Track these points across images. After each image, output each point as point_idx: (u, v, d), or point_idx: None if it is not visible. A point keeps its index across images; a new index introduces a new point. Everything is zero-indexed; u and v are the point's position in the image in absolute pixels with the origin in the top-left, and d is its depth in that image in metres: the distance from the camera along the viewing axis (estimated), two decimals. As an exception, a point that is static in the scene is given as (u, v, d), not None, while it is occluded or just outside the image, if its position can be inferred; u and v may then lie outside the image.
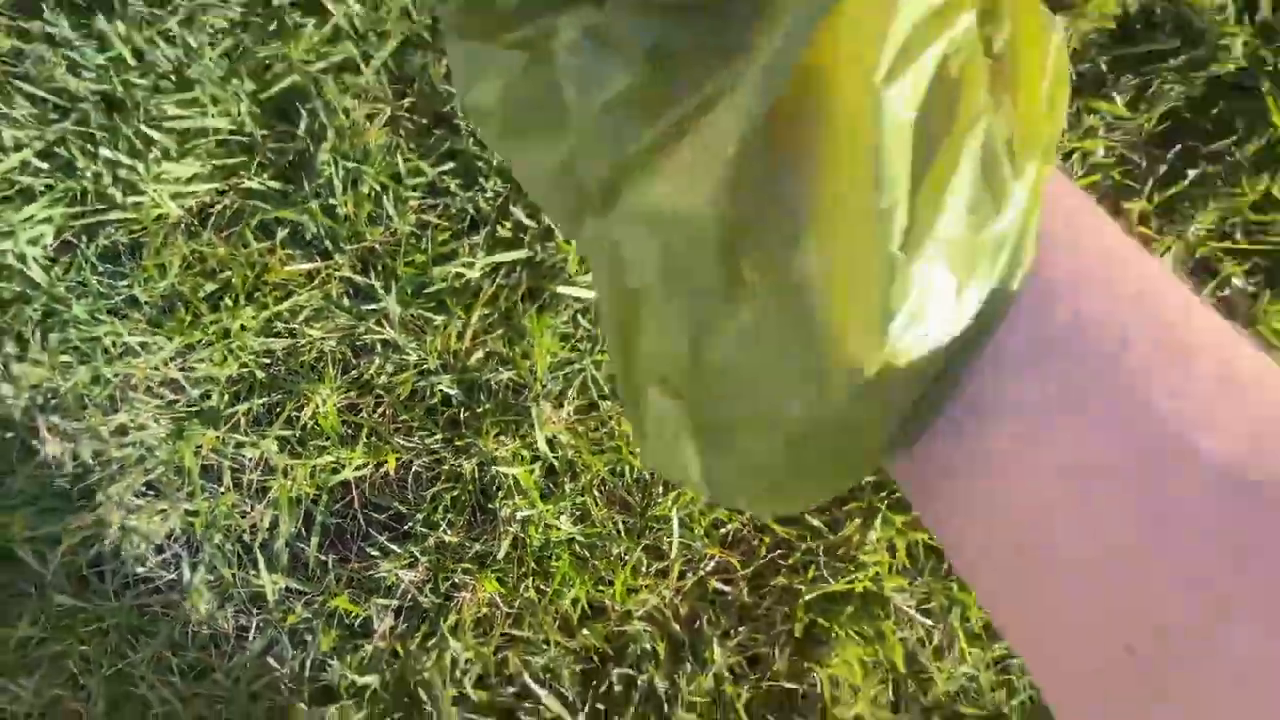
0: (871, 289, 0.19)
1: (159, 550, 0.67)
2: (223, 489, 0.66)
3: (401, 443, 0.66)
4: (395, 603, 0.66)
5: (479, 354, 0.64)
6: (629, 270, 0.21)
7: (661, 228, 0.20)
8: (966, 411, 0.20)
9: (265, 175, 0.64)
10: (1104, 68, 0.65)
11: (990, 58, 0.19)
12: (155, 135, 0.62)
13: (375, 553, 0.67)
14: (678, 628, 0.65)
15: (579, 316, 0.62)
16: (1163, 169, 0.66)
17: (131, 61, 0.62)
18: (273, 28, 0.62)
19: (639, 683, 0.64)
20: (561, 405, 0.64)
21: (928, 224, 0.19)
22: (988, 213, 0.19)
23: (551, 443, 0.64)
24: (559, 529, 0.64)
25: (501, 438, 0.65)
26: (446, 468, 0.66)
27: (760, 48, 0.19)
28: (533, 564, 0.65)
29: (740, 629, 0.66)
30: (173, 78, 0.62)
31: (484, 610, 0.66)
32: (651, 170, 0.20)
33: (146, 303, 0.64)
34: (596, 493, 0.65)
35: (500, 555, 0.65)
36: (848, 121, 0.19)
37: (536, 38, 0.21)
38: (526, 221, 0.64)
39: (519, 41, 0.22)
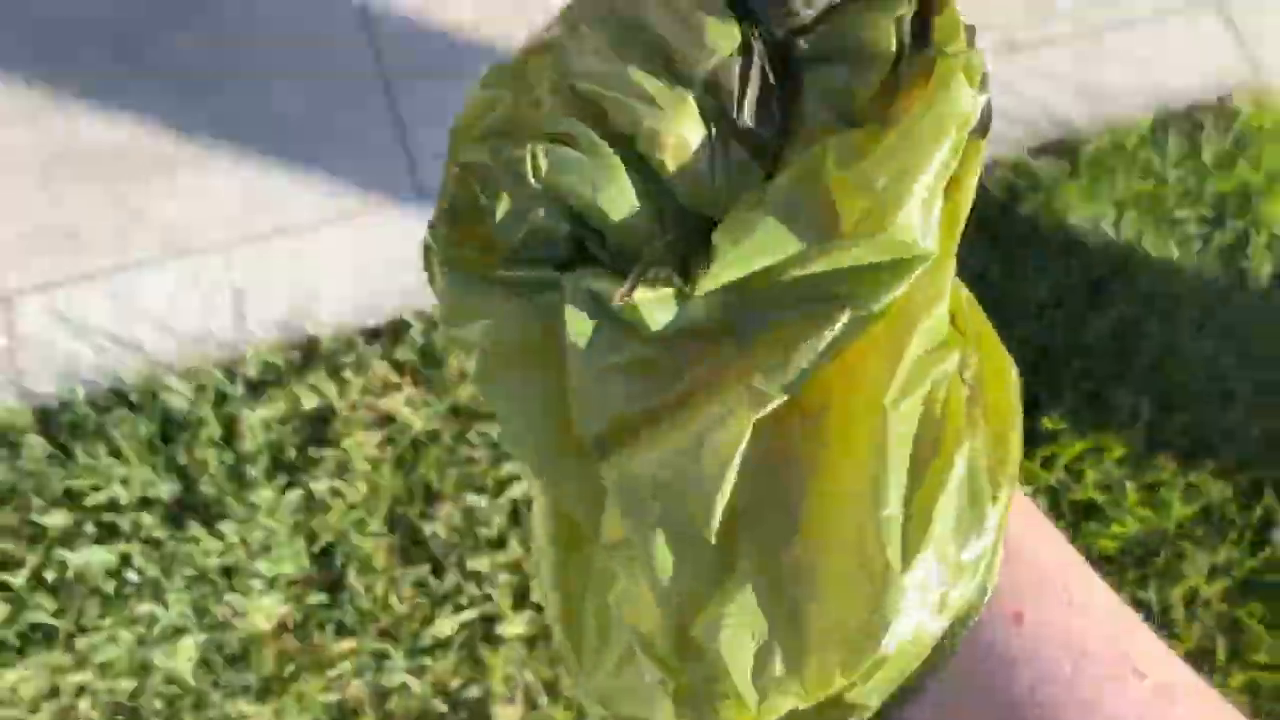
0: (865, 595, 0.20)
1: None
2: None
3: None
4: None
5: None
6: (618, 520, 0.21)
7: (661, 492, 0.20)
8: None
9: (315, 588, 1.04)
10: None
11: (966, 389, 0.21)
12: (254, 584, 1.02)
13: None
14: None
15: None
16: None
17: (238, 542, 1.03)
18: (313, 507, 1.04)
19: None
20: None
21: (919, 539, 0.20)
22: (970, 532, 0.21)
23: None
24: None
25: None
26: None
27: (765, 358, 0.20)
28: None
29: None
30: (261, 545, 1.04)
31: None
32: (653, 436, 0.20)
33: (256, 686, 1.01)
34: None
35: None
36: (855, 434, 0.20)
37: (533, 281, 0.22)
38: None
39: (514, 281, 0.22)
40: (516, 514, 1.09)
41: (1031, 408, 1.16)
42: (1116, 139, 1.29)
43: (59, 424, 1.10)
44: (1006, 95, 1.31)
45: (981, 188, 1.21)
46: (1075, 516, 1.14)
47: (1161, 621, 1.12)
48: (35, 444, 1.07)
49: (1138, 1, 1.38)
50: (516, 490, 1.10)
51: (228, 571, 1.05)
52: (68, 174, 1.19)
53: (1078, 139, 1.29)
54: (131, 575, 1.05)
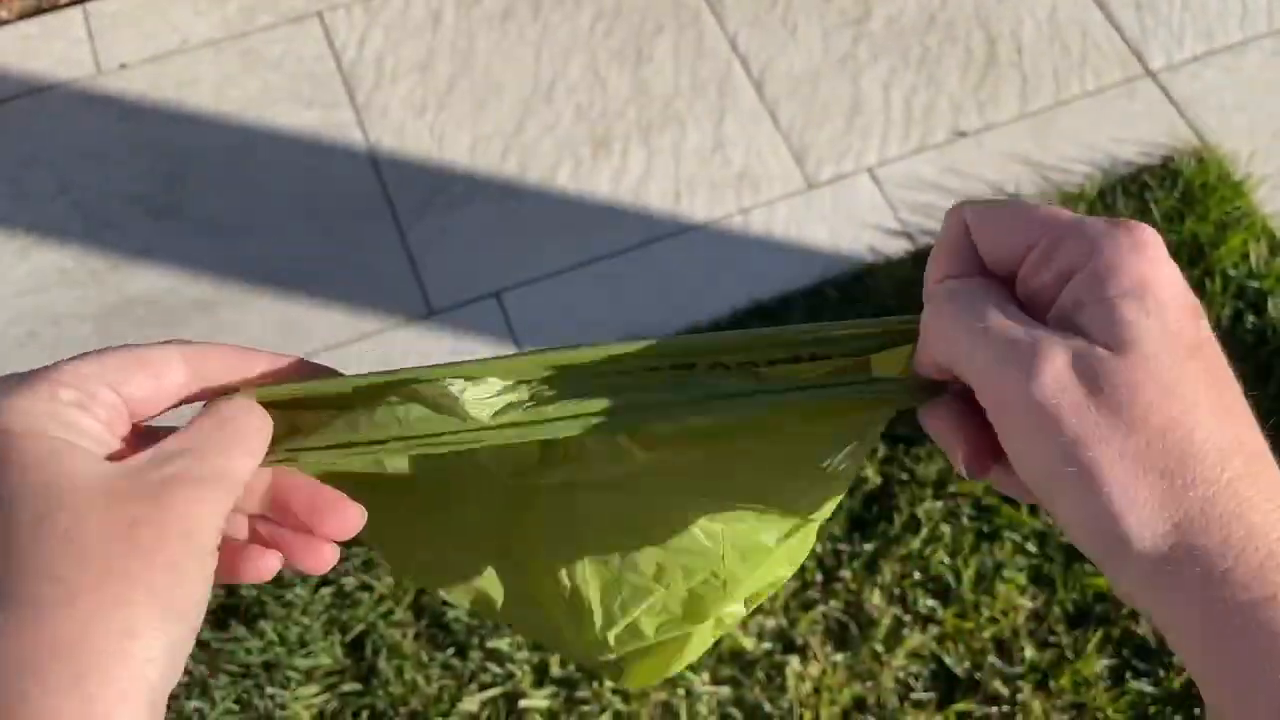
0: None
1: None
2: None
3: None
4: None
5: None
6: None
7: None
8: None
9: (349, 678, 1.12)
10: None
11: None
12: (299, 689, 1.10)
13: None
14: None
15: None
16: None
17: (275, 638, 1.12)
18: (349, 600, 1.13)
19: None
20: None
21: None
22: None
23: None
24: None
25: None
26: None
27: None
28: None
29: None
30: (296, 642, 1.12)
31: None
32: None
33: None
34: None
35: None
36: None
37: None
38: None
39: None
40: (533, 595, 1.17)
41: (1011, 458, 1.22)
42: (1068, 207, 1.38)
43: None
44: (958, 178, 1.42)
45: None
46: (1067, 558, 1.19)
47: (1159, 653, 1.15)
48: (94, 563, 1.18)
49: (1075, 83, 1.50)
50: (531, 573, 1.18)
51: (268, 666, 1.14)
52: (122, 323, 1.33)
53: (1032, 209, 1.39)
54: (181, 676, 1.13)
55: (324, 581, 1.17)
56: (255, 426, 0.32)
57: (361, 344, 1.31)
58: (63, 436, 0.30)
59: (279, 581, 1.17)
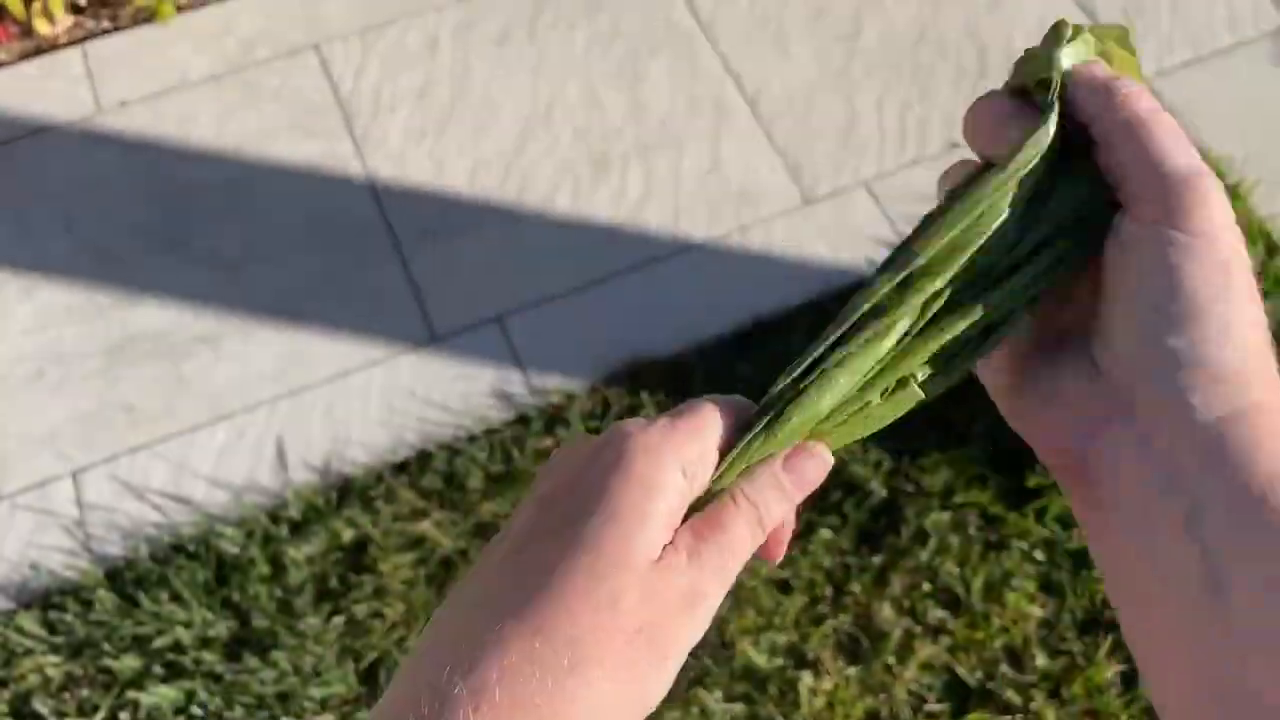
0: None
1: None
2: None
3: None
4: None
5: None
6: None
7: None
8: None
9: (363, 706, 1.12)
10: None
11: None
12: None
13: None
14: None
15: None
16: None
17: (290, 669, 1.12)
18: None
19: None
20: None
21: None
22: None
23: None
24: None
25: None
26: None
27: None
28: None
29: None
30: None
31: None
32: None
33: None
34: None
35: None
36: None
37: None
38: None
39: None
40: (544, 618, 1.17)
41: (1016, 467, 1.23)
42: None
43: (126, 578, 1.21)
44: (957, 188, 1.43)
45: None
46: (1074, 564, 1.19)
47: (1171, 656, 1.15)
48: (105, 598, 1.19)
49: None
50: (542, 595, 1.18)
51: (283, 697, 1.14)
52: (125, 358, 1.34)
53: (1028, 218, 1.39)
54: (196, 710, 1.14)
55: (335, 610, 1.18)
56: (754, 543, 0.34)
57: (366, 372, 1.32)
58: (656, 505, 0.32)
59: (290, 612, 1.18)
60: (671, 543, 0.31)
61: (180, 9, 1.58)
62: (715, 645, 1.16)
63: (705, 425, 0.33)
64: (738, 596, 1.18)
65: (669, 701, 1.12)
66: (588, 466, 0.32)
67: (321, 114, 1.50)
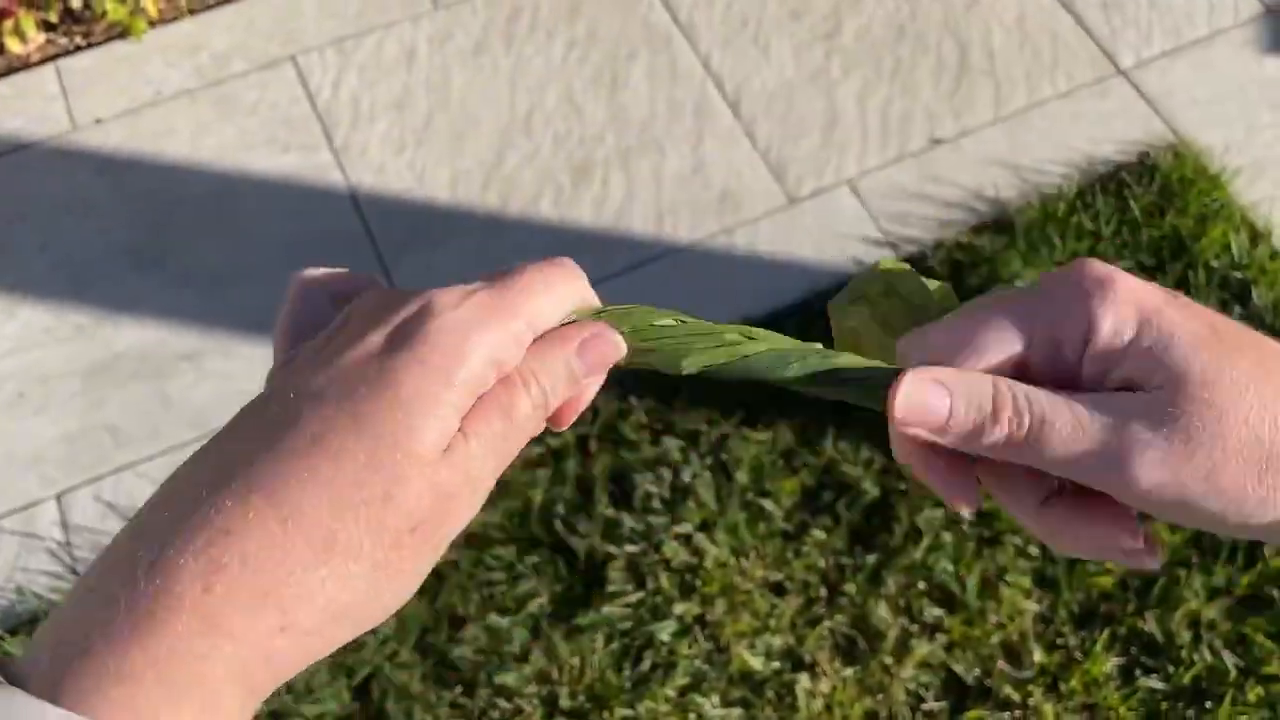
0: None
1: None
2: None
3: None
4: None
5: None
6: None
7: None
8: None
9: (361, 725, 1.11)
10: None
11: None
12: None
13: None
14: None
15: None
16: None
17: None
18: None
19: None
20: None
21: None
22: None
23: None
24: None
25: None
26: None
27: None
28: None
29: None
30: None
31: None
32: None
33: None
34: None
35: None
36: None
37: None
38: None
39: None
40: (537, 628, 1.16)
41: (1008, 461, 1.23)
42: (1049, 208, 1.39)
43: (113, 601, 1.19)
44: (938, 185, 1.43)
45: (928, 268, 1.31)
46: (1070, 562, 1.19)
47: (1167, 649, 1.15)
48: (93, 622, 1.17)
49: (1047, 85, 1.51)
50: (534, 605, 1.17)
51: (275, 715, 1.13)
52: (107, 379, 1.33)
53: (1012, 214, 1.39)
54: (188, 732, 1.12)
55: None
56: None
57: (352, 385, 1.31)
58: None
59: (281, 629, 1.17)
60: (460, 430, 0.29)
61: (153, 24, 1.57)
62: (711, 650, 1.15)
63: (526, 304, 0.30)
64: (732, 600, 1.17)
65: (667, 706, 1.12)
66: (386, 341, 0.29)
67: (300, 126, 1.49)
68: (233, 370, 1.32)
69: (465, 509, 0.29)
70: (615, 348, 0.32)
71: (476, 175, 1.45)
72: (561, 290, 0.32)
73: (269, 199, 1.44)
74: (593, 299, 0.33)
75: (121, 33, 1.56)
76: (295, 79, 1.53)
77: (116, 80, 1.53)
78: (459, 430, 0.29)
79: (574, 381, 0.31)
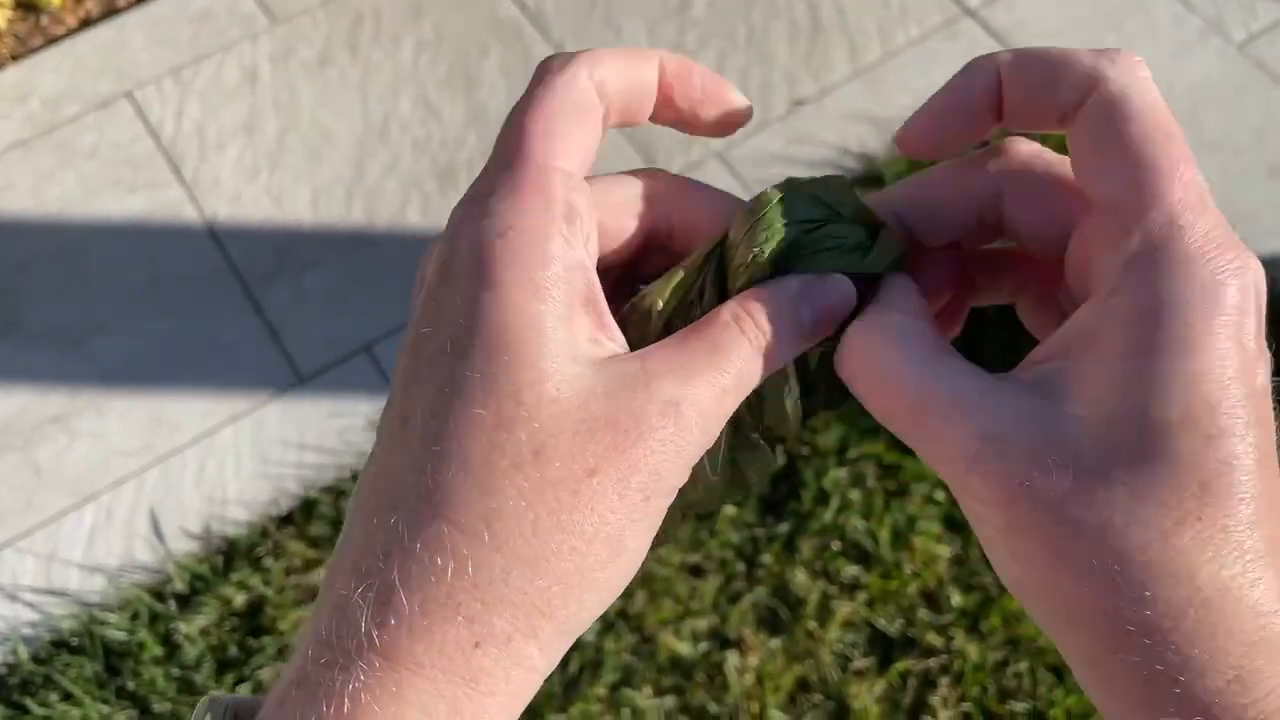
0: None
1: None
2: None
3: None
4: None
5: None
6: None
7: None
8: None
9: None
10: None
11: None
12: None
13: None
14: None
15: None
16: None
17: None
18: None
19: None
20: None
21: None
22: None
23: None
24: None
25: None
26: None
27: None
28: None
29: None
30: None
31: None
32: None
33: None
34: None
35: None
36: None
37: None
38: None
39: None
40: (458, 647, 1.14)
41: (904, 412, 1.24)
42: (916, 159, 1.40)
43: (9, 686, 1.13)
44: (806, 146, 1.43)
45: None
46: (975, 499, 1.20)
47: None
48: (-12, 712, 1.11)
49: (899, 33, 1.52)
50: (453, 624, 1.15)
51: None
52: (-28, 453, 1.26)
53: (880, 166, 1.40)
54: (105, 811, 1.07)
55: (240, 679, 1.12)
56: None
57: (233, 426, 1.26)
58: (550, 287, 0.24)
59: (192, 690, 1.12)
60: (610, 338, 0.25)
61: (-25, 75, 1.48)
62: (636, 642, 1.14)
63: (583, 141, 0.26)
64: (652, 590, 1.16)
65: (598, 704, 1.10)
66: (443, 279, 0.25)
67: (145, 164, 1.42)
68: (107, 428, 1.26)
69: (662, 431, 0.23)
70: (848, 293, 0.27)
71: (338, 191, 1.40)
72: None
73: (122, 245, 1.37)
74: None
75: (-60, 88, 1.47)
76: (134, 115, 1.46)
77: (-59, 139, 1.44)
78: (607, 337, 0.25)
79: (798, 331, 0.26)
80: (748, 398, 0.27)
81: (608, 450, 0.23)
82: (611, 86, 0.27)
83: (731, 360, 0.25)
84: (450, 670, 0.22)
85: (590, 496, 0.23)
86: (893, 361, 0.25)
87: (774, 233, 0.28)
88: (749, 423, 0.30)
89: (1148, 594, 0.21)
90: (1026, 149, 0.27)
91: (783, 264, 0.28)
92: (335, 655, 0.22)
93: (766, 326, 0.26)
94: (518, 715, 0.24)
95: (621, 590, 0.24)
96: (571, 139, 0.26)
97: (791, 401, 0.30)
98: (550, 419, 0.23)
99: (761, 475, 0.31)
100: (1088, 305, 0.24)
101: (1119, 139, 0.25)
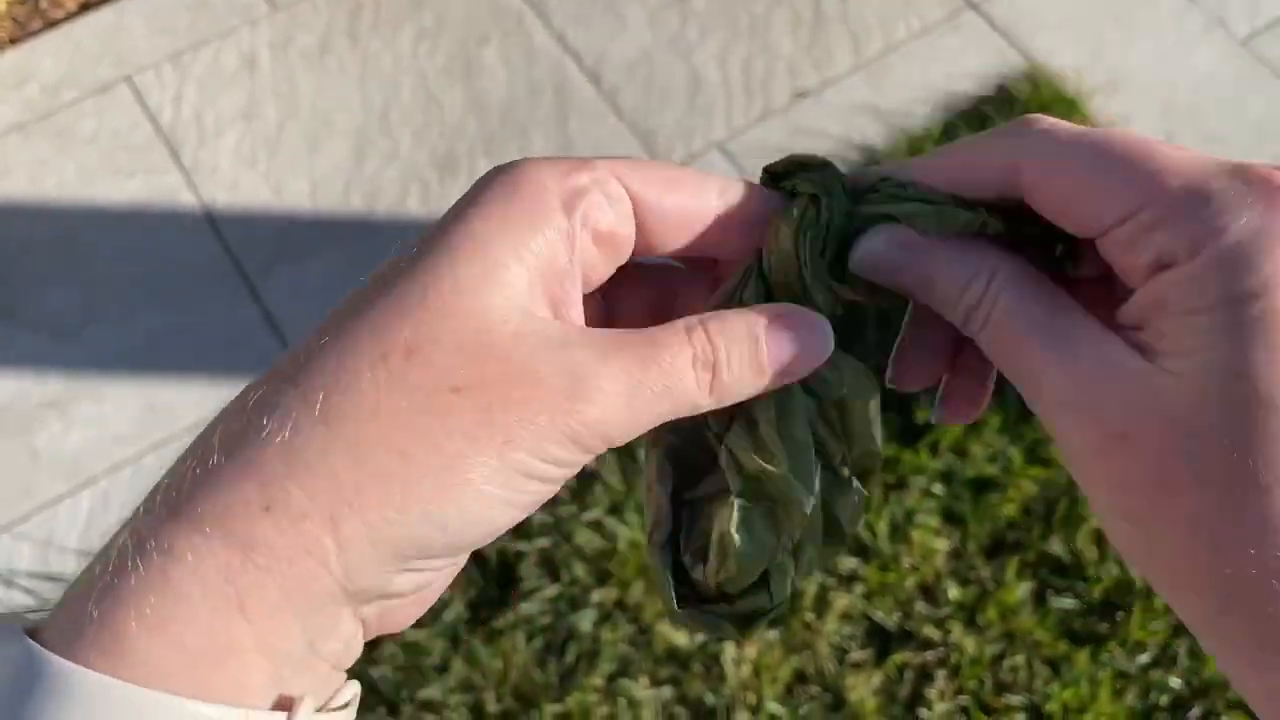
0: None
1: None
2: None
3: None
4: None
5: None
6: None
7: None
8: None
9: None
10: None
11: None
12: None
13: None
14: None
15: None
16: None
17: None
18: None
19: None
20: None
21: None
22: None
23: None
24: None
25: None
26: None
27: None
28: None
29: None
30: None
31: None
32: None
33: None
34: None
35: None
36: None
37: None
38: None
39: None
40: (456, 637, 1.14)
41: (904, 405, 1.23)
42: (916, 149, 1.40)
43: (4, 673, 1.13)
44: (807, 137, 1.43)
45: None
46: (973, 492, 1.20)
47: (1075, 568, 1.17)
48: (-16, 698, 1.11)
49: (901, 26, 1.52)
50: (450, 615, 1.14)
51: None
52: (-31, 439, 1.25)
53: (881, 158, 1.40)
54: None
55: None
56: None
57: (232, 413, 1.25)
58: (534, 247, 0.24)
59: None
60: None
61: (-27, 59, 1.47)
62: (633, 633, 1.14)
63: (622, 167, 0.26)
64: (648, 581, 1.16)
65: (596, 696, 1.10)
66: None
67: (144, 150, 1.42)
68: (104, 414, 1.26)
69: (565, 404, 0.23)
70: (823, 337, 0.26)
71: (337, 181, 1.40)
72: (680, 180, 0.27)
73: (120, 231, 1.37)
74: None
75: (-62, 72, 1.47)
76: (133, 101, 1.45)
77: (-62, 123, 1.44)
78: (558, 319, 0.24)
79: (751, 362, 0.25)
80: (833, 422, 0.27)
81: (486, 380, 0.22)
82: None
83: (662, 360, 0.24)
84: (231, 532, 0.21)
85: (444, 410, 0.22)
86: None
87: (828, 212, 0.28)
88: (836, 453, 0.29)
89: None
90: (1047, 122, 0.27)
91: (853, 230, 0.28)
92: (138, 513, 0.22)
93: (721, 346, 0.25)
94: (306, 613, 0.22)
95: (461, 536, 0.23)
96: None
97: (878, 429, 0.29)
98: (439, 324, 0.23)
99: (854, 520, 0.29)
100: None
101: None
